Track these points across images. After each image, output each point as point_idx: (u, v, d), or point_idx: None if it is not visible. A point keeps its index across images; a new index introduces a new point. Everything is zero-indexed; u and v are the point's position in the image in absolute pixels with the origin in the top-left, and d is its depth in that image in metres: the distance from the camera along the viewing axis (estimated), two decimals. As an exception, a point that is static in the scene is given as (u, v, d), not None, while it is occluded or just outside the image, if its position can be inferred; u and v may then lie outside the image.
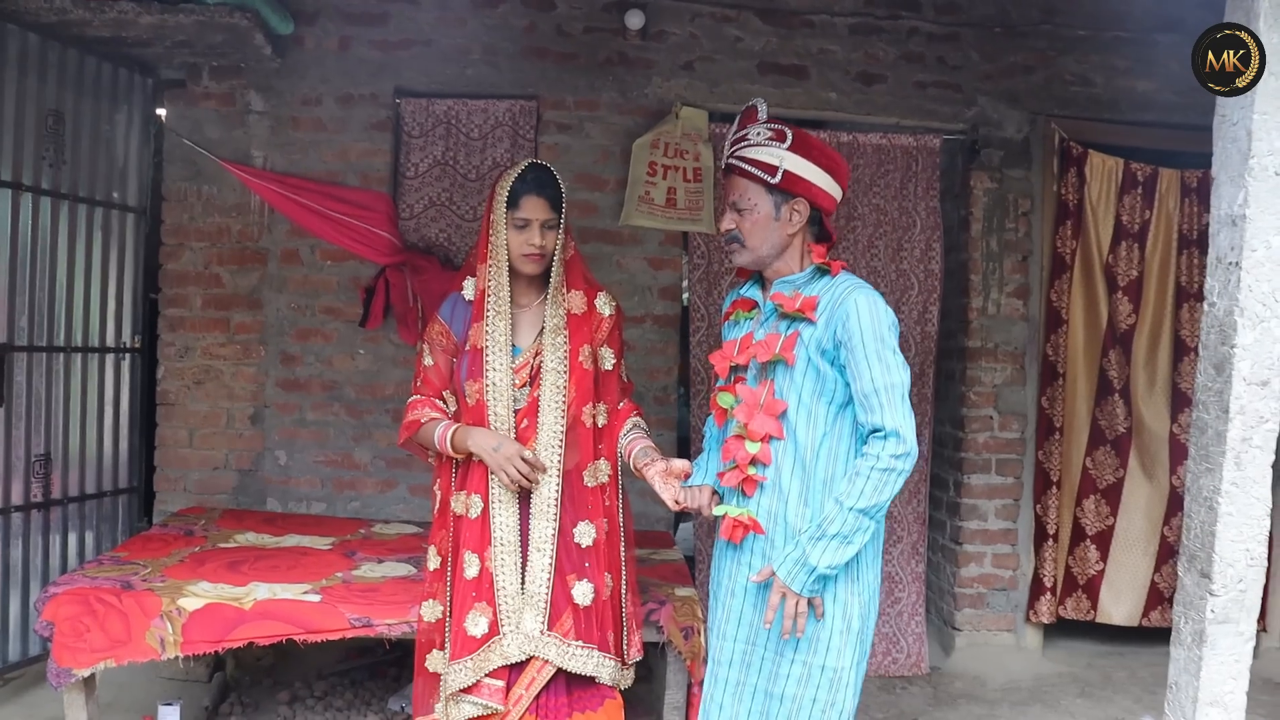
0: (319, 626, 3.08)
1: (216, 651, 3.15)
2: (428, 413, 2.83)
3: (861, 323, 2.39)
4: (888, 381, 2.38)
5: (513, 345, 2.79)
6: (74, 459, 4.24)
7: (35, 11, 3.90)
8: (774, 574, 2.40)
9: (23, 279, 3.96)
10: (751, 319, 2.61)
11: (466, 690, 2.72)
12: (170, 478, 4.64)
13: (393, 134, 4.64)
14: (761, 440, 2.47)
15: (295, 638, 3.09)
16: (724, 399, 2.57)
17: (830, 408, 2.46)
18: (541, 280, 2.84)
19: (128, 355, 4.52)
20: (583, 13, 4.62)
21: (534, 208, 2.73)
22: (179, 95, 4.60)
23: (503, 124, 4.67)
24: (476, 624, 2.72)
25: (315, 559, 3.61)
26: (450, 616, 2.79)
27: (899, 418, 2.38)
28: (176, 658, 3.10)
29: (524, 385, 2.78)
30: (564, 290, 2.82)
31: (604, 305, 2.88)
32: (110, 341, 4.42)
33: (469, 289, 2.86)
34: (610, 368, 2.87)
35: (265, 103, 4.58)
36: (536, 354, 2.79)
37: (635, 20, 4.51)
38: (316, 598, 3.15)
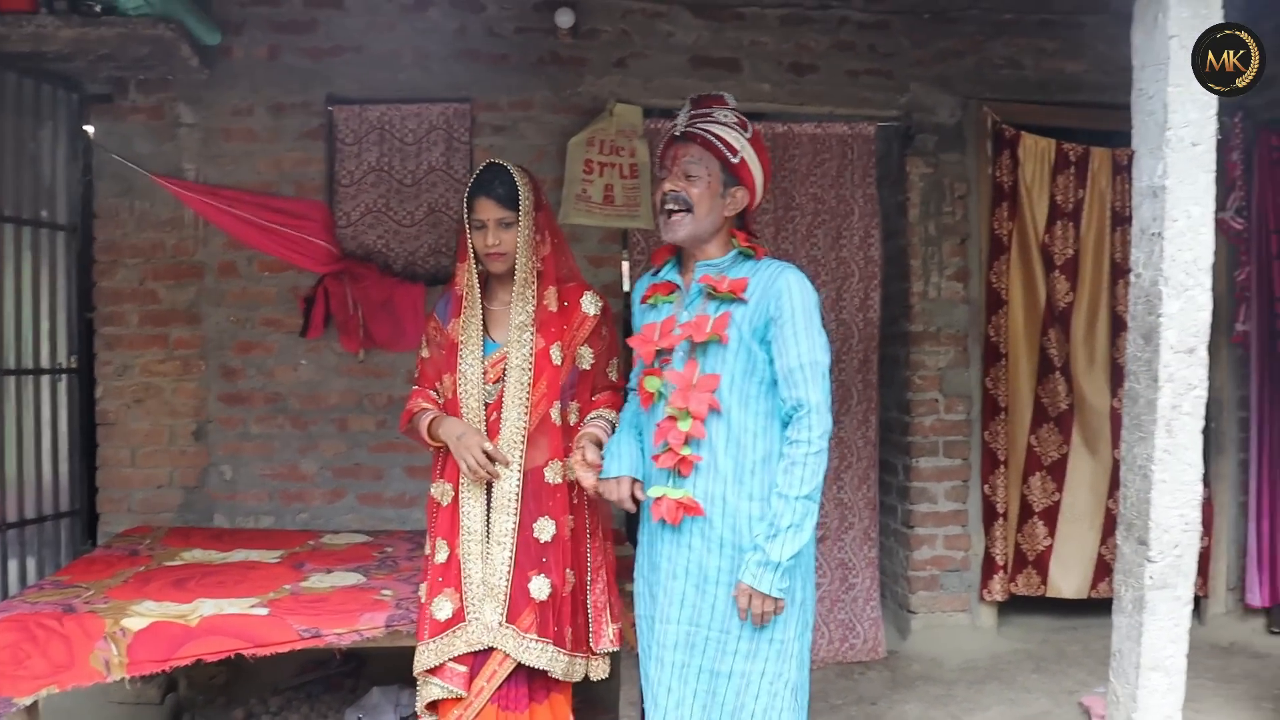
0: (267, 639, 3.03)
1: (165, 671, 3.11)
2: (420, 403, 2.93)
3: (794, 299, 2.47)
4: (813, 358, 2.46)
5: (490, 341, 2.84)
6: (12, 483, 4.14)
7: (-50, 30, 3.83)
8: (740, 583, 2.45)
9: (-49, 302, 3.89)
10: (671, 302, 2.65)
11: (431, 672, 2.78)
12: (113, 498, 4.57)
13: (326, 142, 4.60)
14: (695, 418, 2.48)
15: (244, 652, 3.03)
16: (651, 383, 2.60)
17: (761, 387, 2.51)
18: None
19: (64, 376, 4.43)
20: (513, 13, 4.60)
21: (485, 208, 2.78)
22: (106, 110, 4.52)
23: (437, 128, 4.65)
24: (442, 608, 2.78)
25: (263, 572, 3.56)
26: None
27: (821, 394, 2.45)
28: (124, 680, 3.04)
29: (496, 380, 2.81)
30: (533, 287, 2.83)
31: (589, 304, 2.89)
32: (45, 363, 4.34)
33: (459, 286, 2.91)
34: (588, 367, 2.89)
35: (195, 115, 4.52)
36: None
37: (565, 19, 4.49)
38: (264, 611, 3.11)
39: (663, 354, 2.60)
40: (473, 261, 2.84)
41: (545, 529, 2.79)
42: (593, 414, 2.90)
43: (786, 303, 2.46)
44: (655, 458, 2.58)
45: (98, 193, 4.56)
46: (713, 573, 2.52)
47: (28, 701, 2.97)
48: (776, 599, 2.43)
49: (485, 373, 2.82)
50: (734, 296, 2.51)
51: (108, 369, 4.56)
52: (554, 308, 2.85)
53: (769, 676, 2.49)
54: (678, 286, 2.65)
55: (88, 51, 4.07)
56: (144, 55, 4.15)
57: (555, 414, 2.83)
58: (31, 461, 4.26)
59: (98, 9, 3.90)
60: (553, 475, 2.83)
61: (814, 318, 2.49)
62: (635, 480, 2.67)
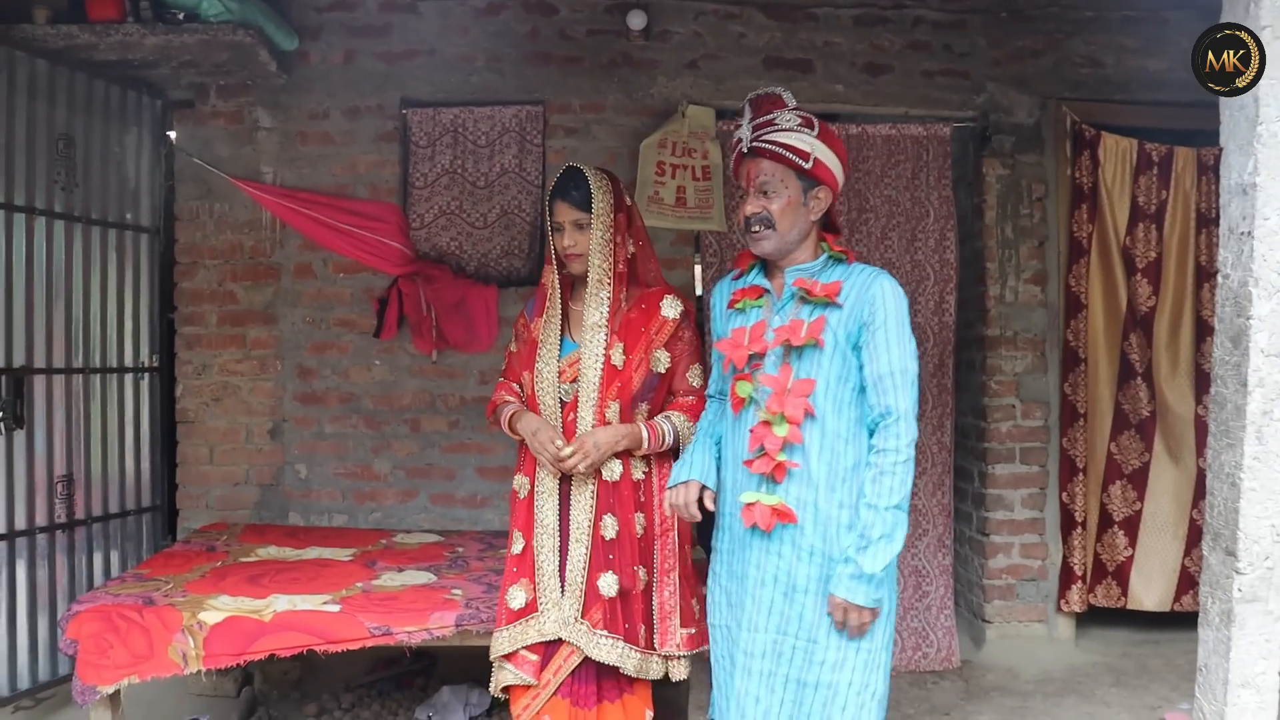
0: (338, 636, 3.08)
1: (241, 665, 3.16)
2: (503, 395, 3.02)
3: (887, 305, 2.45)
4: (903, 366, 2.43)
5: (570, 341, 2.89)
6: (96, 479, 4.26)
7: (43, 38, 3.95)
8: (833, 596, 2.42)
9: (40, 302, 3.99)
10: (760, 306, 2.61)
11: (506, 658, 2.84)
12: (192, 495, 4.67)
13: (400, 144, 4.66)
14: (791, 423, 2.45)
15: (316, 648, 3.09)
16: (743, 388, 2.56)
17: (853, 393, 2.48)
18: None
19: (146, 375, 4.54)
20: (585, 15, 4.63)
21: (561, 211, 2.83)
22: (188, 115, 4.63)
23: (510, 130, 4.68)
24: (515, 598, 2.84)
25: (336, 570, 3.61)
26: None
27: (909, 402, 2.42)
28: (200, 672, 3.10)
29: (573, 380, 2.85)
30: (608, 288, 2.84)
31: (669, 308, 2.89)
32: (129, 361, 4.45)
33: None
34: (664, 370, 2.88)
35: (273, 119, 4.61)
36: None
37: (637, 21, 4.50)
38: (336, 608, 3.15)
39: (754, 358, 2.56)
40: (555, 263, 2.89)
41: (609, 526, 2.81)
42: (660, 415, 2.90)
43: (880, 308, 2.43)
44: (748, 463, 2.54)
45: (179, 196, 4.67)
46: (801, 581, 2.48)
47: (110, 690, 3.05)
48: (872, 608, 2.41)
49: (562, 372, 2.85)
50: (828, 300, 2.48)
51: (187, 368, 4.67)
52: (629, 310, 2.86)
53: (856, 687, 2.45)
54: (766, 290, 2.61)
55: (171, 58, 4.19)
56: (224, 61, 4.26)
57: (612, 414, 2.82)
58: (115, 458, 4.36)
59: (180, 16, 4.02)
60: (608, 473, 2.84)
61: (905, 325, 2.46)
62: (705, 487, 2.64)
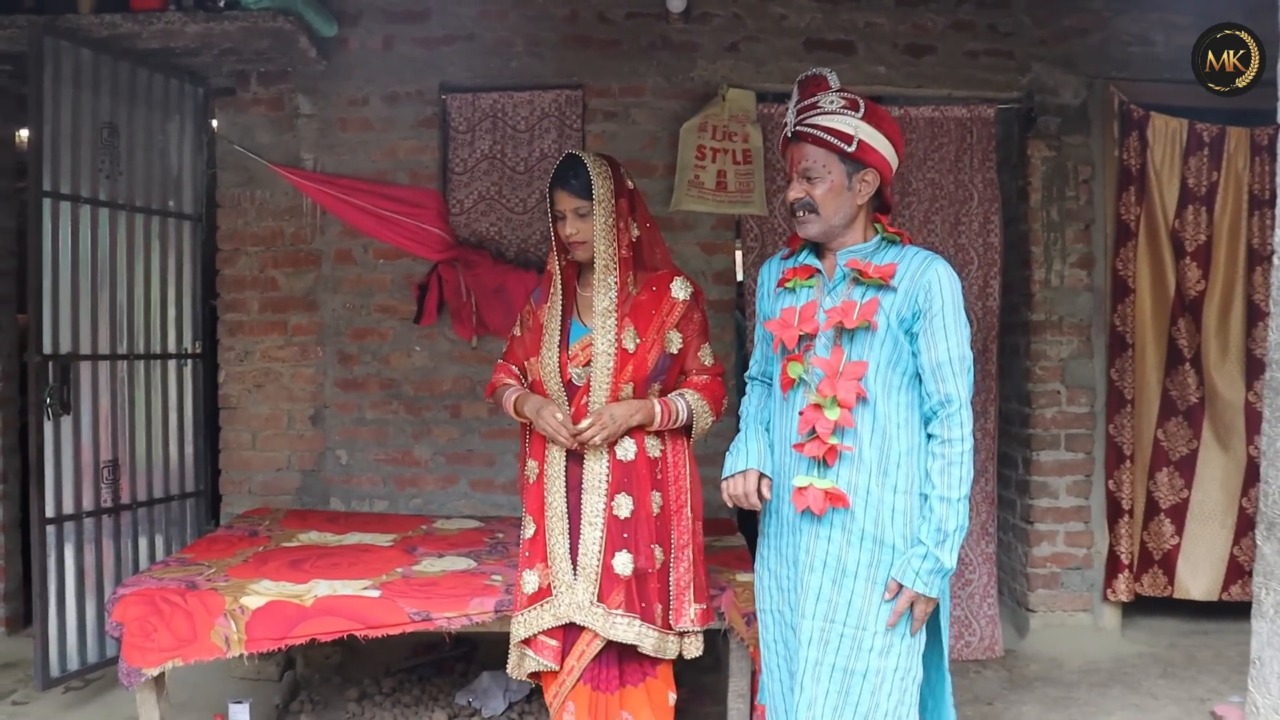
0: (379, 621, 3.10)
1: (283, 650, 3.19)
2: (503, 378, 3.05)
3: (944, 292, 2.41)
4: (961, 352, 2.41)
5: (581, 325, 2.90)
6: (141, 464, 4.30)
7: (87, 27, 3.99)
8: (905, 589, 2.41)
9: (85, 289, 4.03)
10: (811, 286, 2.57)
11: (525, 643, 2.86)
12: (235, 480, 4.71)
13: (440, 130, 4.65)
14: (843, 406, 2.43)
15: (356, 633, 3.11)
16: (794, 368, 2.52)
17: (904, 378, 2.45)
18: None
19: (189, 361, 4.58)
20: (624, -1, 4.60)
21: (562, 200, 2.83)
22: (229, 102, 4.66)
23: (549, 115, 4.66)
24: (529, 582, 2.87)
25: (376, 555, 3.63)
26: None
27: (968, 389, 2.41)
28: (243, 656, 3.13)
29: (585, 364, 2.84)
30: (614, 274, 2.84)
31: (678, 290, 2.90)
32: (172, 348, 4.49)
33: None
34: (676, 351, 2.89)
35: (313, 105, 4.63)
36: None
37: (677, 4, 4.47)
38: (376, 593, 3.17)
39: (804, 339, 2.52)
40: (560, 250, 2.90)
41: (623, 505, 2.81)
42: (673, 393, 2.90)
43: (937, 295, 2.40)
44: (798, 446, 2.50)
45: (220, 183, 4.70)
46: (851, 566, 2.45)
47: (155, 672, 3.10)
48: (935, 598, 2.42)
49: (574, 356, 2.86)
50: (882, 282, 2.44)
51: (230, 354, 4.70)
52: (638, 293, 2.86)
53: (900, 673, 2.43)
54: (818, 270, 2.57)
55: (212, 45, 4.21)
56: (265, 48, 4.27)
57: (625, 396, 2.83)
58: (160, 443, 4.41)
59: (221, 4, 4.04)
60: (623, 453, 2.83)
61: (961, 311, 2.43)
62: (763, 476, 2.59)
